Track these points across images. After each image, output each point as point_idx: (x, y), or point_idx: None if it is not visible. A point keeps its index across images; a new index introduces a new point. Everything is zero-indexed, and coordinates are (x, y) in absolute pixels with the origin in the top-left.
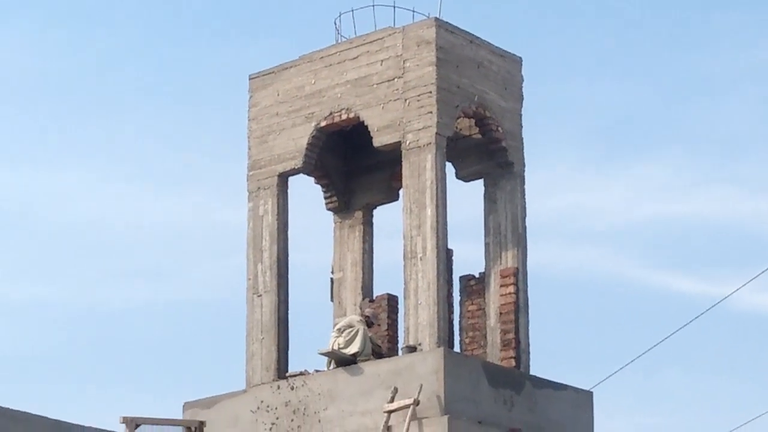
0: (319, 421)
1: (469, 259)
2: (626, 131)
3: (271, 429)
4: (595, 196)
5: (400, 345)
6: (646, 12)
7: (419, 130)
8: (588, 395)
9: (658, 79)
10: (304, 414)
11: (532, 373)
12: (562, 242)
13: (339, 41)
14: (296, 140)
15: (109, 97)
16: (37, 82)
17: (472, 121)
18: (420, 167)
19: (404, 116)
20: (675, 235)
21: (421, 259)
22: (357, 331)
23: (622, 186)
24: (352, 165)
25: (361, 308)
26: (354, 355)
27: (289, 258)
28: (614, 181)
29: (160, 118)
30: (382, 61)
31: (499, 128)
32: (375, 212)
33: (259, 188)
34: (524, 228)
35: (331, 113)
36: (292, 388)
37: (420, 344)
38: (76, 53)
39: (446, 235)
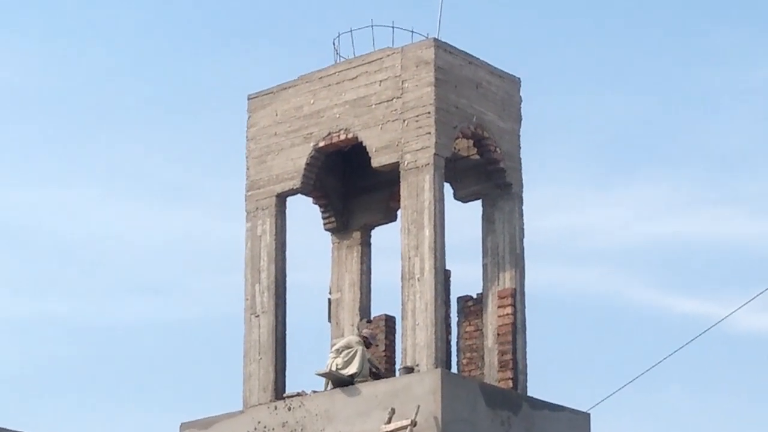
0: None
1: (467, 279)
2: (626, 150)
3: None
4: (595, 215)
5: (398, 366)
6: (645, 30)
7: (417, 150)
8: (585, 417)
9: (658, 98)
10: None
11: (529, 394)
12: (561, 262)
13: (337, 61)
14: (294, 160)
15: (113, 114)
16: (41, 99)
17: (471, 141)
18: (418, 188)
19: (402, 137)
20: (674, 255)
21: (418, 279)
22: (355, 352)
23: (622, 205)
24: (350, 185)
25: (358, 329)
26: (352, 376)
27: (287, 278)
28: (614, 201)
29: (163, 136)
30: (380, 81)
31: (498, 149)
32: (373, 233)
33: (257, 208)
34: (522, 249)
35: (329, 133)
36: (290, 409)
37: (417, 365)
38: (80, 70)
39: (444, 255)
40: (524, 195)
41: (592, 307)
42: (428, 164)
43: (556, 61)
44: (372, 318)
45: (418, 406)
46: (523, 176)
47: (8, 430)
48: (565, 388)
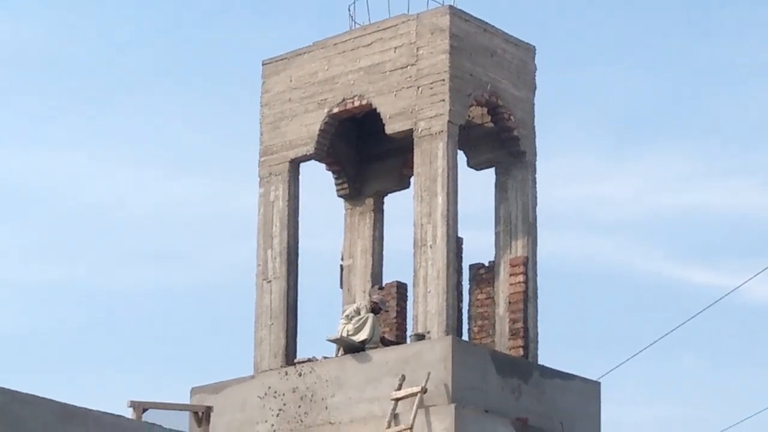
0: (326, 407)
1: (479, 247)
2: (640, 121)
3: (278, 415)
4: (610, 185)
5: (409, 333)
6: (663, 2)
7: (431, 117)
8: (596, 385)
9: (672, 69)
10: (311, 400)
11: (540, 362)
12: (576, 231)
13: (353, 28)
14: (308, 126)
15: (127, 80)
16: (54, 64)
17: (485, 109)
18: (432, 155)
19: (417, 104)
20: (688, 226)
21: (431, 247)
22: (366, 319)
23: (637, 176)
24: (363, 152)
25: (369, 295)
26: (362, 342)
27: (300, 244)
28: (629, 172)
29: (177, 101)
30: (395, 48)
31: (512, 117)
32: (386, 199)
33: (270, 174)
34: (535, 217)
35: (343, 100)
36: (300, 375)
37: (428, 332)
38: (94, 35)
39: (456, 223)
40: (539, 164)
41: (605, 277)
42: (442, 131)
43: (573, 31)
44: (384, 285)
45: (429, 373)
46: (538, 146)
47: (19, 392)
48: (576, 357)
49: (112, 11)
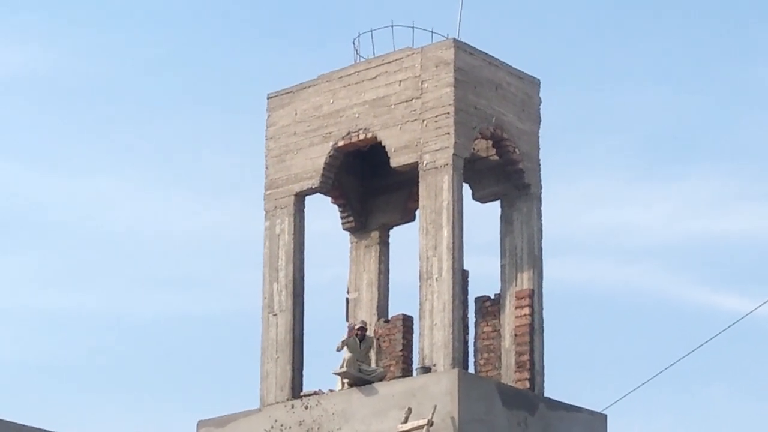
0: None
1: (485, 280)
2: (670, 146)
3: None
4: (638, 210)
5: (415, 366)
6: (691, 27)
7: (436, 150)
8: (602, 418)
9: (704, 92)
10: None
11: (546, 394)
12: (603, 257)
13: (357, 61)
14: (313, 160)
15: (145, 106)
16: (70, 90)
17: (490, 142)
18: (437, 188)
19: (422, 137)
20: (718, 251)
21: (437, 280)
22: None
23: (666, 201)
24: (369, 185)
25: (353, 324)
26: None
27: (305, 277)
28: (657, 196)
29: (195, 128)
30: (400, 81)
31: (516, 150)
32: (391, 232)
33: (275, 207)
34: (540, 249)
35: (348, 133)
36: (306, 408)
37: (434, 365)
38: (112, 61)
39: (462, 256)
40: (565, 190)
41: (632, 304)
42: (447, 164)
43: (605, 54)
44: (390, 318)
45: (435, 406)
46: (567, 171)
47: (26, 426)
48: (583, 389)
49: (133, 36)
